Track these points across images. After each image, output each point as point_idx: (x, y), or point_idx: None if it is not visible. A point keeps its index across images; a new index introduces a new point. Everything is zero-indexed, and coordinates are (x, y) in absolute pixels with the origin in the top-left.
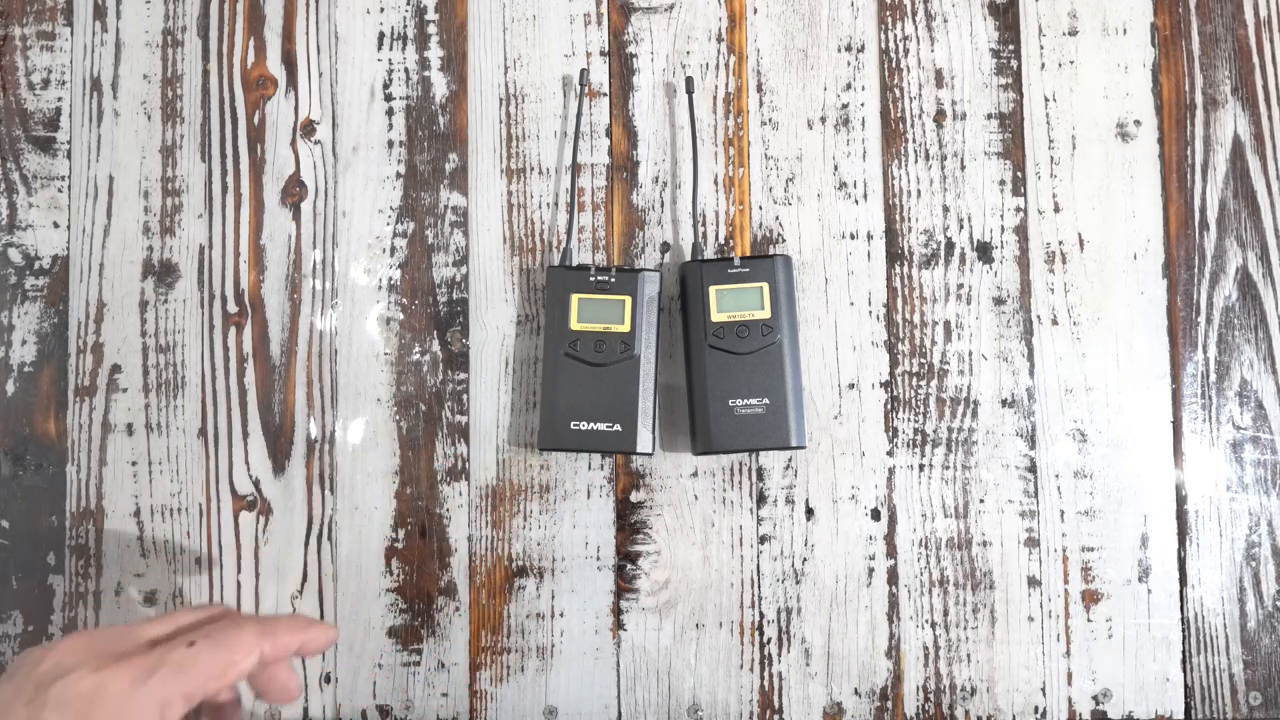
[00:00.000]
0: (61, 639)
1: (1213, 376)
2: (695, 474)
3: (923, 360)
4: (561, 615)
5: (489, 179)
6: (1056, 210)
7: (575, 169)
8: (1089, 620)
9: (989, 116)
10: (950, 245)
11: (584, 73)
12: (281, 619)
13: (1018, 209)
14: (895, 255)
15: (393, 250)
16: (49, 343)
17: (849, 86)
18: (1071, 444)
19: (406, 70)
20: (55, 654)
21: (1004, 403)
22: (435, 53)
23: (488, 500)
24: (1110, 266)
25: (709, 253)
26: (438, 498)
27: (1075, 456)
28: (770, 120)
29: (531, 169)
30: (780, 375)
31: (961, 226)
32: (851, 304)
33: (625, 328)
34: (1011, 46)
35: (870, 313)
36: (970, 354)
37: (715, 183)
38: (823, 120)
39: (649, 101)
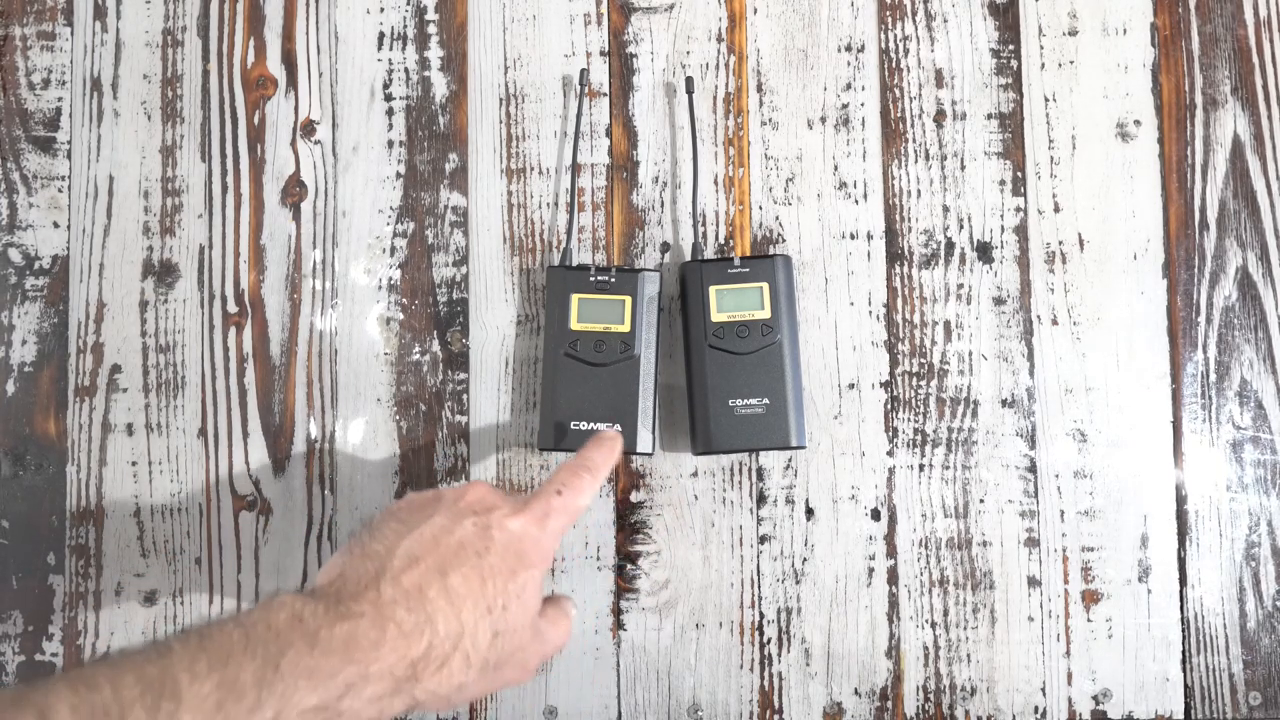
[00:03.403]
0: (458, 488)
1: (1213, 376)
2: (695, 474)
3: (923, 360)
4: None
5: (489, 179)
6: (1056, 210)
7: (575, 169)
8: (1089, 620)
9: (989, 116)
10: (950, 245)
11: (584, 73)
12: (594, 456)
13: (1018, 209)
14: (895, 255)
15: (393, 250)
16: (49, 343)
17: (849, 86)
18: (1071, 444)
19: (406, 70)
20: (471, 493)
21: (1004, 403)
22: (435, 53)
23: None
24: (1110, 266)
25: (709, 253)
26: None
27: (1075, 456)
28: (770, 120)
29: (531, 169)
30: (780, 375)
31: (961, 226)
32: (851, 304)
33: (625, 328)
34: (1011, 46)
35: (870, 313)
36: (970, 354)
37: (715, 183)
38: (823, 120)
39: (649, 101)
